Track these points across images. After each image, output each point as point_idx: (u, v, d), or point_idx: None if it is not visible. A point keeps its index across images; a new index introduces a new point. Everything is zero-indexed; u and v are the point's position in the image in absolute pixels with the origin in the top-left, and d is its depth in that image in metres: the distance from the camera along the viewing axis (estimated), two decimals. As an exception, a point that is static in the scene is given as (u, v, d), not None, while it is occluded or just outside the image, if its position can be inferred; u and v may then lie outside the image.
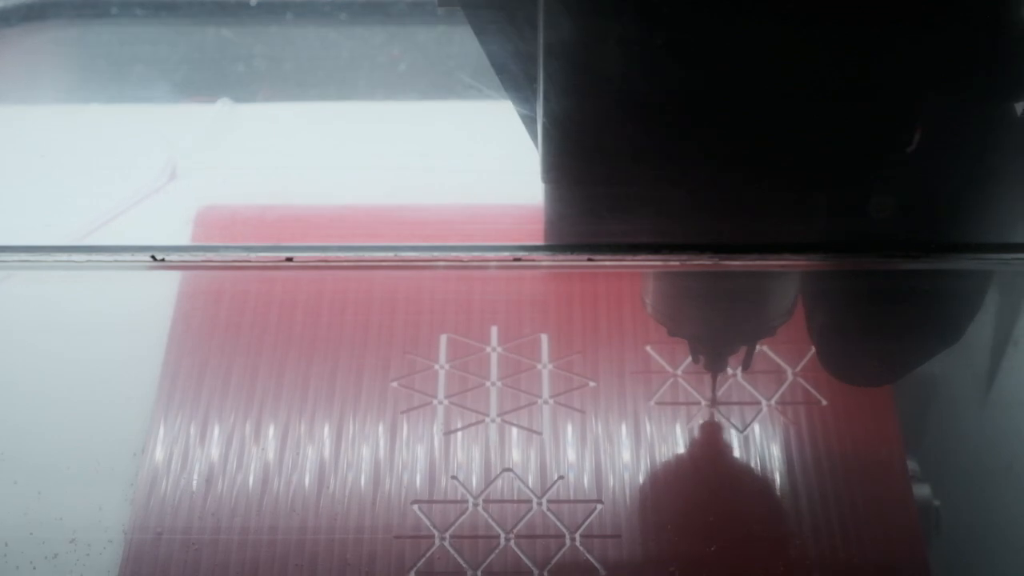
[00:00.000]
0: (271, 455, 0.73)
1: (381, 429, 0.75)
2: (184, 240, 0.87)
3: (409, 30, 1.16)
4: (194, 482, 0.72)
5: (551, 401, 0.77)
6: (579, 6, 0.72)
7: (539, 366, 0.79)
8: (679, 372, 0.79)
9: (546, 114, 0.75)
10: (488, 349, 0.80)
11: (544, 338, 0.80)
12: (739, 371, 0.79)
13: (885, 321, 0.83)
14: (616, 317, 0.81)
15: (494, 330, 0.81)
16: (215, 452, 0.73)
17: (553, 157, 0.78)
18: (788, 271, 0.82)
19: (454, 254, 0.83)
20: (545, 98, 0.75)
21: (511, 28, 0.77)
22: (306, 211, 0.91)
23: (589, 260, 0.83)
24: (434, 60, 1.13)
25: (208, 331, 0.80)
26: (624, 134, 0.77)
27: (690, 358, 0.79)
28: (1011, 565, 0.72)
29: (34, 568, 0.69)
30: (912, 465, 0.74)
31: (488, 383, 0.78)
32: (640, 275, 0.82)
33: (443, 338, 0.80)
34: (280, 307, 0.81)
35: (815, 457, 0.74)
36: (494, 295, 0.82)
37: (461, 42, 1.13)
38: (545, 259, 0.83)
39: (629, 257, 0.82)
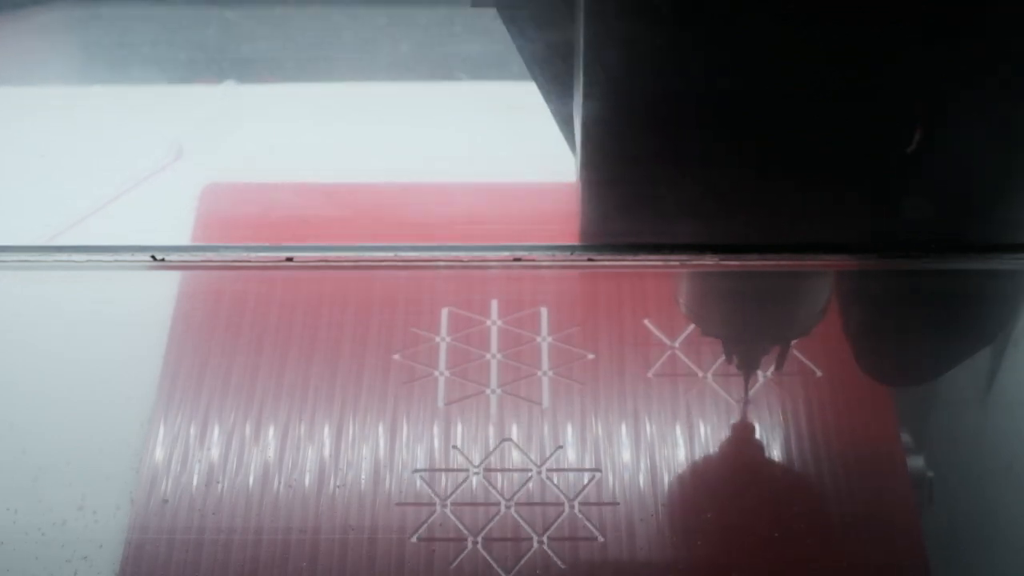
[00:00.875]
0: (271, 453, 0.74)
1: (384, 400, 0.76)
2: (184, 233, 0.88)
3: (411, 12, 1.15)
4: (194, 480, 0.72)
5: (551, 373, 0.78)
6: (619, 5, 0.72)
7: (539, 339, 0.80)
8: (676, 344, 0.79)
9: (585, 113, 0.75)
10: (488, 322, 0.80)
11: (544, 311, 0.81)
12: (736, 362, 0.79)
13: (919, 321, 0.83)
14: (615, 303, 0.82)
15: (494, 304, 0.82)
16: (215, 451, 0.74)
17: (591, 156, 0.78)
18: (819, 271, 0.82)
19: (454, 254, 0.84)
20: (585, 97, 0.74)
21: (545, 28, 0.76)
22: (306, 211, 0.91)
23: (589, 260, 0.83)
24: (436, 44, 1.12)
25: (208, 331, 0.80)
26: (660, 135, 0.77)
27: (686, 332, 0.80)
28: (1011, 565, 0.72)
29: (43, 534, 0.70)
30: (908, 447, 0.74)
31: (488, 355, 0.79)
32: (639, 275, 0.83)
33: (444, 311, 0.81)
34: (280, 307, 0.82)
35: (810, 428, 0.75)
36: (494, 295, 0.82)
37: (464, 23, 1.12)
38: (545, 259, 0.83)
39: (629, 257, 0.83)
